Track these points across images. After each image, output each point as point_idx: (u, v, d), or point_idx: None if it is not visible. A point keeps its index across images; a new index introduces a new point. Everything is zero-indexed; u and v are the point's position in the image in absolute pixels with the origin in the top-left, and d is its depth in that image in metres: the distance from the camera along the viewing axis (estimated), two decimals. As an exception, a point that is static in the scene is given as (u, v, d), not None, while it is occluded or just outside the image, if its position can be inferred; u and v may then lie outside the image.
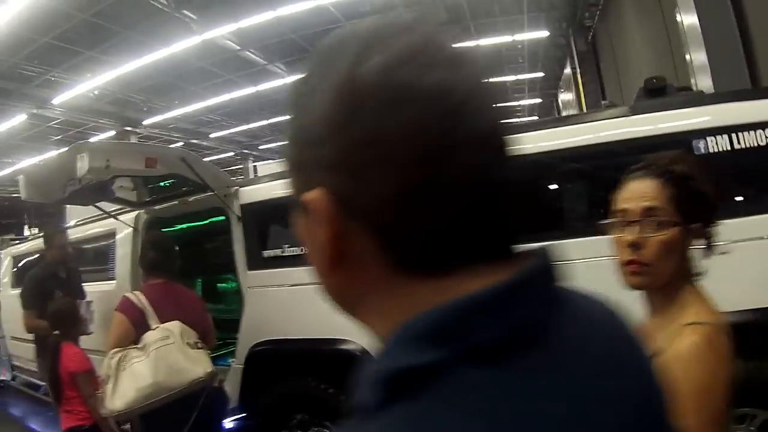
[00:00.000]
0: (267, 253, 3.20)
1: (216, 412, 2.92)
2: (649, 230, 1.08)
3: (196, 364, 2.62)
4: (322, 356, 2.98)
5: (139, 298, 2.74)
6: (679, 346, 0.98)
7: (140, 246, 3.69)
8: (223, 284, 4.89)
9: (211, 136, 16.85)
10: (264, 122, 16.07)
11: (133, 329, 2.68)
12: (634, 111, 2.75)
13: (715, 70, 4.92)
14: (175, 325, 2.69)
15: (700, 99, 2.80)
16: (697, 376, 0.96)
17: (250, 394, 3.20)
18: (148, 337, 2.66)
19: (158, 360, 2.58)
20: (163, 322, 2.72)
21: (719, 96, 3.52)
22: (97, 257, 4.32)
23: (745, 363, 2.21)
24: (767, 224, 2.38)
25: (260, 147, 19.17)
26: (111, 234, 4.06)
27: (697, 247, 1.10)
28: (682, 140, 2.53)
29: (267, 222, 3.27)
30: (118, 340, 2.67)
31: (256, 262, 3.21)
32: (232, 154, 19.10)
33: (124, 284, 3.74)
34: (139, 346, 2.65)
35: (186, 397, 2.62)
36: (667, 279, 1.08)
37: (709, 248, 1.12)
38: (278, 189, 3.25)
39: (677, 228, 1.07)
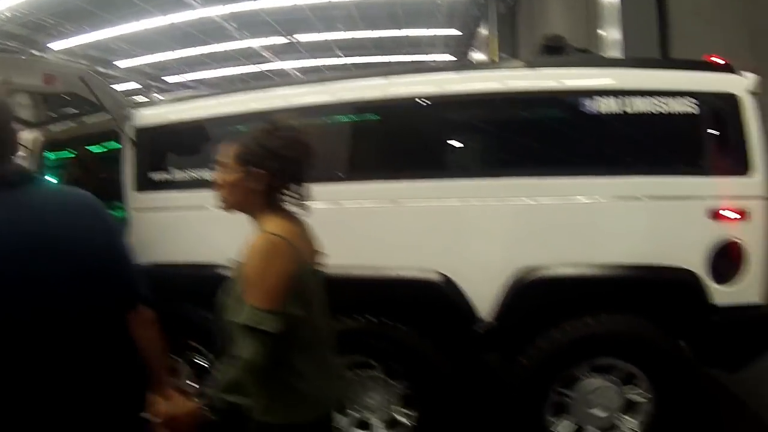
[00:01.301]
0: (155, 176, 3.22)
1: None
2: (222, 175, 1.65)
3: None
4: (198, 281, 2.99)
5: None
6: (250, 244, 1.54)
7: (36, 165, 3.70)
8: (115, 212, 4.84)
9: (119, 64, 16.12)
10: (173, 54, 15.60)
11: None
12: (531, 65, 2.96)
13: (628, 47, 5.17)
14: None
15: (595, 60, 3.07)
16: (254, 264, 1.52)
17: None
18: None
19: None
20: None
21: (615, 61, 3.89)
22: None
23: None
24: (643, 185, 2.71)
25: (167, 80, 18.41)
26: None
27: (291, 195, 1.64)
28: (570, 98, 2.78)
29: (159, 145, 3.26)
30: None
31: (144, 184, 3.23)
32: (138, 86, 18.22)
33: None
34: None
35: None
36: (240, 207, 1.66)
37: (299, 198, 1.65)
38: (173, 113, 3.29)
39: (240, 174, 1.60)
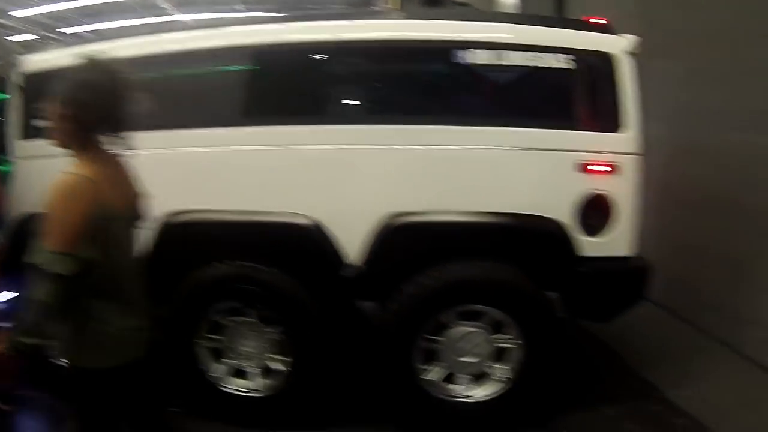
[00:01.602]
0: (40, 123, 3.07)
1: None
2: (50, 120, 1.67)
3: None
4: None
5: None
6: (51, 184, 1.58)
7: None
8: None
9: (15, 14, 15.50)
10: (70, 4, 15.40)
11: None
12: (408, 16, 3.06)
13: (525, 10, 5.29)
14: None
15: (472, 14, 3.10)
16: (51, 205, 1.54)
17: (13, 271, 3.26)
18: None
19: None
20: None
21: (493, 15, 3.96)
22: None
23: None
24: (513, 136, 2.76)
25: (65, 31, 17.68)
26: None
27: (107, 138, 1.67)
28: (443, 48, 2.80)
29: (47, 92, 3.24)
30: None
31: (29, 131, 3.16)
32: (35, 36, 17.53)
33: None
34: None
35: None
36: (64, 147, 1.68)
37: (113, 142, 1.68)
38: (63, 59, 3.22)
39: (56, 116, 1.64)
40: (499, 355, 2.85)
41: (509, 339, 2.81)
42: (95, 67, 1.66)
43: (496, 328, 2.82)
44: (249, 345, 2.91)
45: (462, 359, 2.84)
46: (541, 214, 2.78)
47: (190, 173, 2.87)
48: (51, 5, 15.31)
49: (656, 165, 3.03)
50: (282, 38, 2.95)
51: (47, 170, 3.11)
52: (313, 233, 2.75)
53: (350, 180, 2.81)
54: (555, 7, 5.22)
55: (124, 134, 1.68)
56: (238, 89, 2.92)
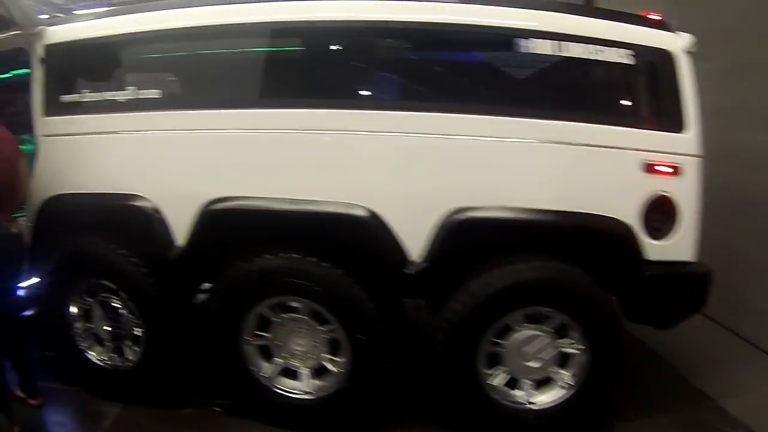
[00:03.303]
0: (66, 98, 2.96)
1: (8, 261, 2.75)
2: None
3: None
4: (111, 213, 2.84)
5: None
6: None
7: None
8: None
9: None
10: None
11: None
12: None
13: None
14: None
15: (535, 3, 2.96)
16: None
17: (40, 256, 2.97)
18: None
19: None
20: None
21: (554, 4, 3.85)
22: None
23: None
24: (577, 131, 2.62)
25: (76, 12, 17.32)
26: None
27: None
28: (503, 37, 2.67)
29: (71, 65, 3.01)
30: None
31: (54, 107, 2.97)
32: (46, 17, 17.16)
33: None
34: None
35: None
36: None
37: None
38: (88, 30, 3.01)
39: None
40: (564, 360, 2.74)
41: (574, 344, 2.70)
42: None
43: (562, 332, 2.71)
44: (299, 343, 2.74)
45: (526, 364, 2.71)
46: (608, 215, 2.68)
47: (237, 156, 2.71)
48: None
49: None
50: (365, 16, 2.74)
51: (73, 149, 3.04)
52: (372, 225, 2.60)
53: (414, 171, 2.67)
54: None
55: None
56: (294, 69, 2.79)
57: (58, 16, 3.31)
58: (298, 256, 2.63)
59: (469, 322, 2.63)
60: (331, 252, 2.64)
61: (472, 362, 2.66)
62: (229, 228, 2.69)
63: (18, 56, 3.14)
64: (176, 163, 2.77)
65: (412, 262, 2.64)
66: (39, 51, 3.01)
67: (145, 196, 2.78)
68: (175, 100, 2.88)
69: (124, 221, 2.84)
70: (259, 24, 2.76)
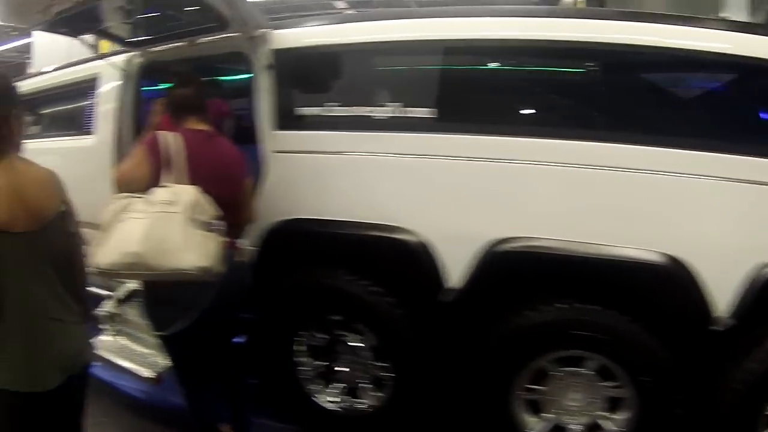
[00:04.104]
0: (304, 111, 2.67)
1: (233, 301, 2.47)
2: None
3: (191, 251, 2.07)
4: (364, 245, 2.55)
5: (172, 140, 2.21)
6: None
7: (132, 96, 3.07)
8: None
9: None
10: None
11: (149, 171, 2.20)
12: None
13: None
14: (188, 192, 2.13)
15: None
16: None
17: (263, 285, 2.69)
18: (154, 194, 2.14)
19: (154, 227, 2.06)
20: (190, 180, 2.21)
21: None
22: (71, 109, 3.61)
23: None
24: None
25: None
26: (92, 80, 3.32)
27: None
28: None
29: (310, 74, 2.72)
30: (125, 175, 2.22)
31: (287, 121, 2.68)
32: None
33: (105, 138, 3.08)
34: (145, 198, 2.14)
35: (188, 283, 2.15)
36: None
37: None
38: (335, 36, 2.68)
39: None
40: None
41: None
42: None
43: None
44: (575, 398, 2.47)
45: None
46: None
47: (533, 191, 2.38)
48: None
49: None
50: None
51: (314, 169, 2.73)
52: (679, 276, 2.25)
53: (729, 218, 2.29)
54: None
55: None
56: (627, 97, 2.42)
57: (277, 19, 2.93)
58: (597, 308, 2.33)
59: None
60: (629, 303, 2.35)
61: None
62: (518, 272, 2.39)
63: (232, 60, 2.81)
64: (454, 194, 2.45)
65: (717, 318, 2.34)
66: (265, 56, 2.69)
67: (409, 229, 2.46)
68: (455, 122, 2.51)
69: (381, 255, 2.55)
70: (590, 44, 2.38)
